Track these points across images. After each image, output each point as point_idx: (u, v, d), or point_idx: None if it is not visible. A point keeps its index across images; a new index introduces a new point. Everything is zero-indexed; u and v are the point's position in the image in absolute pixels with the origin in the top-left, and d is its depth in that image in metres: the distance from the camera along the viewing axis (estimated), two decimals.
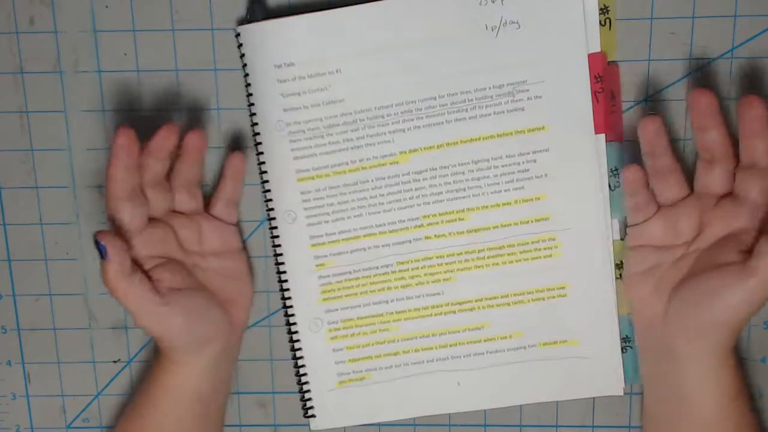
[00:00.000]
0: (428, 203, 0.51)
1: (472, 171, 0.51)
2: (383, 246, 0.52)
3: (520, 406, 0.54)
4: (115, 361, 0.55)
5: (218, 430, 0.53)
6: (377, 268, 0.52)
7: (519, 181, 0.51)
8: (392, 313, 0.53)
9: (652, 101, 0.51)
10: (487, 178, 0.51)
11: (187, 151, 0.48)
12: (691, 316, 0.47)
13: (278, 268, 0.52)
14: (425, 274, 0.52)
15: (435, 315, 0.53)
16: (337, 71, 0.49)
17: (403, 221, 0.51)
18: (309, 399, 0.54)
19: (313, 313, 0.53)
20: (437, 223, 0.51)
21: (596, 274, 0.51)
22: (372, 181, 0.51)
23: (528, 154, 0.50)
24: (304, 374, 0.53)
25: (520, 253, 0.51)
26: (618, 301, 0.52)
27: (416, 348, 0.53)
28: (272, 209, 0.51)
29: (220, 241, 0.51)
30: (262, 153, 0.51)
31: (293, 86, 0.50)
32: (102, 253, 0.44)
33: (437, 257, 0.52)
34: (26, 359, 0.56)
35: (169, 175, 0.49)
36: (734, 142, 0.47)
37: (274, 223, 0.52)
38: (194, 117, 0.52)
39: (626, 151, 0.51)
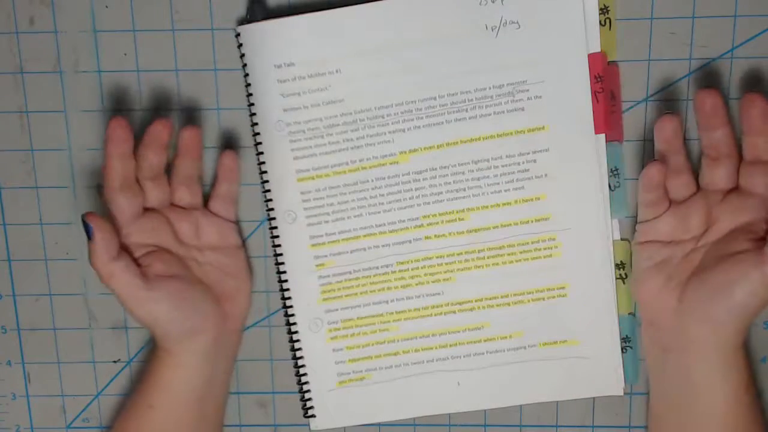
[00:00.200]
0: (428, 203, 0.51)
1: (472, 171, 0.51)
2: (383, 246, 0.52)
3: (520, 406, 0.54)
4: (115, 361, 0.55)
5: (218, 431, 0.53)
6: (377, 268, 0.52)
7: (519, 181, 0.51)
8: (392, 313, 0.53)
9: (652, 101, 0.51)
10: (487, 178, 0.51)
11: (183, 147, 0.49)
12: (706, 308, 0.47)
13: (278, 268, 0.52)
14: (425, 274, 0.52)
15: (435, 315, 0.53)
16: (337, 71, 0.49)
17: (403, 221, 0.51)
18: (309, 399, 0.54)
19: (313, 313, 0.53)
20: (437, 223, 0.51)
21: (596, 274, 0.51)
22: (372, 181, 0.51)
23: (528, 154, 0.50)
24: (304, 374, 0.53)
25: (520, 253, 0.51)
26: (618, 301, 0.52)
27: (416, 348, 0.53)
28: (272, 209, 0.51)
29: (217, 236, 0.51)
30: (262, 153, 0.51)
31: (293, 86, 0.50)
32: (88, 234, 0.45)
33: (437, 257, 0.52)
34: (26, 359, 0.56)
35: (169, 171, 0.50)
36: (737, 138, 0.47)
37: (274, 223, 0.52)
38: (194, 117, 0.52)
39: (626, 151, 0.51)
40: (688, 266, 0.49)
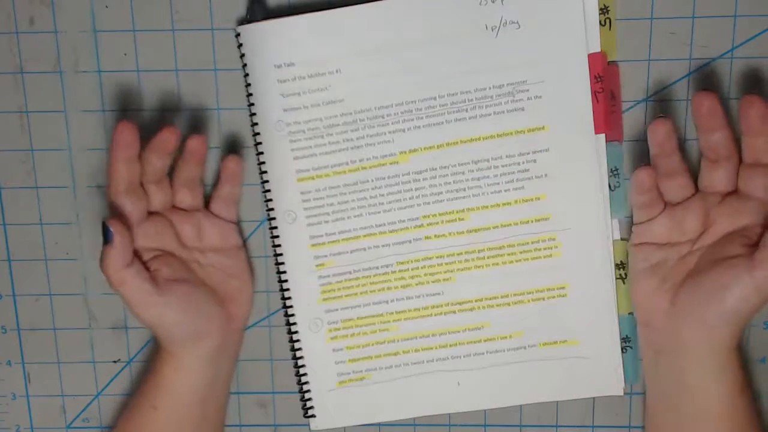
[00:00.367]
0: (428, 203, 0.51)
1: (472, 171, 0.51)
2: (383, 246, 0.52)
3: (520, 406, 0.54)
4: (115, 361, 0.55)
5: (219, 431, 0.53)
6: (377, 268, 0.52)
7: (519, 181, 0.51)
8: (392, 313, 0.53)
9: (652, 101, 0.51)
10: (487, 178, 0.51)
11: (188, 153, 0.49)
12: (699, 311, 0.47)
13: (278, 268, 0.52)
14: (425, 274, 0.52)
15: (435, 315, 0.53)
16: (337, 71, 0.49)
17: (403, 221, 0.51)
18: (309, 399, 0.54)
19: (313, 313, 0.53)
20: (437, 223, 0.51)
21: (596, 274, 0.51)
22: (372, 181, 0.51)
23: (528, 154, 0.50)
24: (304, 374, 0.53)
25: (520, 253, 0.51)
26: (618, 301, 0.52)
27: (416, 348, 0.53)
28: (272, 209, 0.51)
29: (219, 238, 0.51)
30: (262, 153, 0.51)
31: (293, 86, 0.50)
32: (108, 239, 0.45)
33: (437, 257, 0.52)
34: (26, 359, 0.56)
35: (170, 172, 0.50)
36: (737, 140, 0.47)
37: (274, 223, 0.52)
38: (194, 117, 0.52)
39: (626, 151, 0.51)
40: (683, 269, 0.48)
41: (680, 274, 0.48)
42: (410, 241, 0.52)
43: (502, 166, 0.50)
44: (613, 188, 0.51)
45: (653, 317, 0.50)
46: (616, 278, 0.52)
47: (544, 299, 0.52)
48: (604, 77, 0.50)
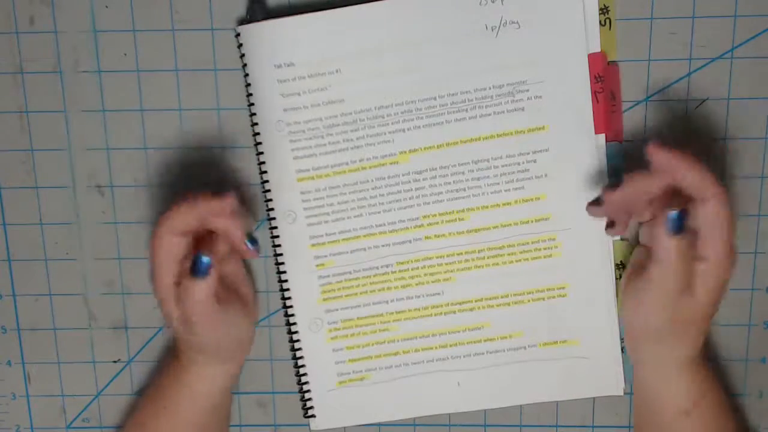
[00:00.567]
0: (428, 203, 0.51)
1: (472, 171, 0.51)
2: (383, 246, 0.52)
3: (520, 406, 0.54)
4: (115, 361, 0.55)
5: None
6: (377, 268, 0.52)
7: (519, 181, 0.51)
8: (392, 313, 0.53)
9: (652, 101, 0.51)
10: (487, 178, 0.51)
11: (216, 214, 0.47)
12: (641, 323, 0.47)
13: (278, 268, 0.52)
14: (425, 274, 0.52)
15: (435, 315, 0.53)
16: (337, 71, 0.49)
17: (403, 221, 0.51)
18: (309, 399, 0.54)
19: (313, 313, 0.53)
20: (437, 223, 0.51)
21: (596, 274, 0.51)
22: (372, 181, 0.51)
23: (528, 154, 0.50)
24: (304, 374, 0.53)
25: (520, 253, 0.51)
26: (618, 301, 0.52)
27: (416, 348, 0.53)
28: (272, 209, 0.51)
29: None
30: (262, 153, 0.51)
31: (293, 86, 0.50)
32: (203, 272, 0.44)
33: (437, 257, 0.52)
34: (26, 359, 0.56)
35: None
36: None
37: (274, 223, 0.52)
38: (194, 117, 0.52)
39: (626, 151, 0.51)
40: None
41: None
42: (410, 241, 0.52)
43: (502, 166, 0.50)
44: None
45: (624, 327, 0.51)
46: (616, 278, 0.52)
47: (544, 299, 0.52)
48: (604, 77, 0.50)
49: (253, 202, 0.53)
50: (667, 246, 0.42)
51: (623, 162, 0.51)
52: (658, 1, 0.50)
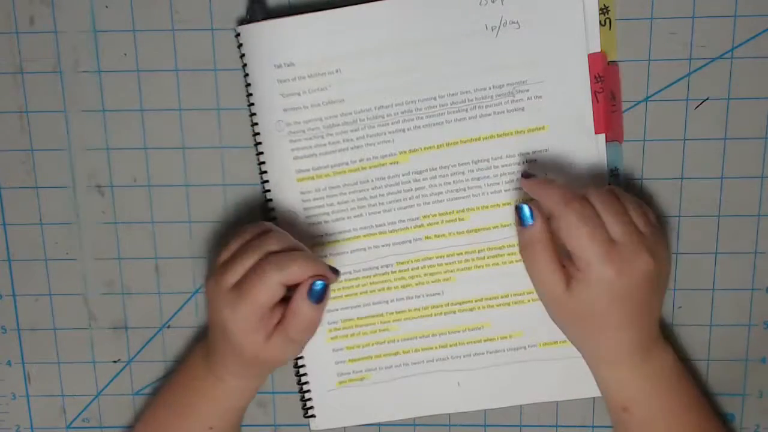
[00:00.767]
0: (428, 203, 0.51)
1: (472, 171, 0.51)
2: (383, 246, 0.52)
3: (520, 406, 0.54)
4: (115, 361, 0.55)
5: None
6: (377, 268, 0.52)
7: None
8: (392, 313, 0.53)
9: (652, 101, 0.51)
10: (487, 178, 0.51)
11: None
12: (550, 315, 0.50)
13: None
14: (425, 274, 0.52)
15: (435, 315, 0.53)
16: (337, 71, 0.49)
17: (403, 221, 0.51)
18: (309, 399, 0.54)
19: None
20: (437, 223, 0.51)
21: None
22: (372, 181, 0.51)
23: (528, 154, 0.50)
24: (304, 374, 0.53)
25: None
26: None
27: (416, 348, 0.53)
28: (272, 209, 0.51)
29: None
30: (262, 153, 0.51)
31: (293, 86, 0.50)
32: (319, 297, 0.45)
33: (437, 257, 0.52)
34: (26, 359, 0.56)
35: None
36: None
37: (274, 223, 0.52)
38: (194, 117, 0.52)
39: (626, 151, 0.51)
40: None
41: None
42: (410, 241, 0.52)
43: (502, 166, 0.50)
44: None
45: None
46: None
47: None
48: (604, 77, 0.50)
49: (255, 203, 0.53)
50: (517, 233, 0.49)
51: (623, 162, 0.51)
52: (658, 1, 0.50)
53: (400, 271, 0.52)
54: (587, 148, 0.50)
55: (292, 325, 0.46)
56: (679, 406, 0.49)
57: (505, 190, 0.51)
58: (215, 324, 0.47)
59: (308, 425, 0.55)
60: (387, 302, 0.52)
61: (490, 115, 0.50)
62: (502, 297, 0.52)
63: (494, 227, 0.51)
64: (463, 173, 0.51)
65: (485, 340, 0.53)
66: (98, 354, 0.55)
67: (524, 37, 0.49)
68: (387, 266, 0.52)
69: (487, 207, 0.51)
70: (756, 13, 0.49)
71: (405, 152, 0.50)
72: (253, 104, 0.50)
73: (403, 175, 0.51)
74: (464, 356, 0.53)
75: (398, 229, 0.51)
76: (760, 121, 0.51)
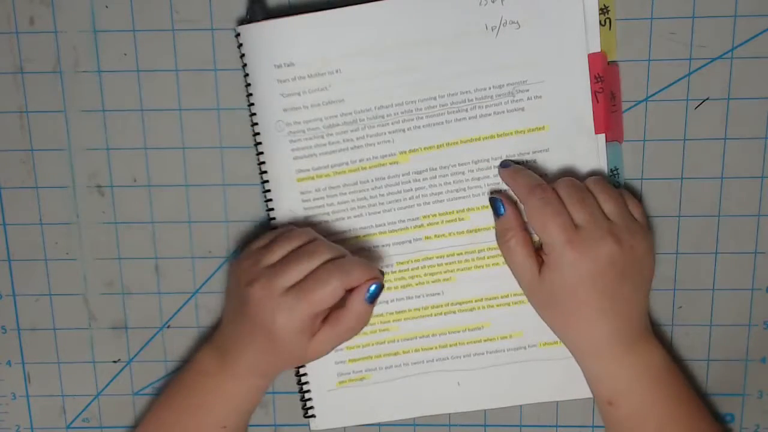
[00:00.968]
0: (428, 203, 0.51)
1: (472, 171, 0.51)
2: (383, 246, 0.52)
3: (520, 406, 0.54)
4: (115, 361, 0.55)
5: None
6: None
7: None
8: (392, 313, 0.53)
9: (652, 101, 0.51)
10: (487, 178, 0.51)
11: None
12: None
13: None
14: (425, 274, 0.52)
15: (435, 315, 0.53)
16: (337, 71, 0.49)
17: (403, 221, 0.51)
18: (309, 399, 0.54)
19: None
20: (437, 223, 0.51)
21: None
22: (372, 181, 0.51)
23: (528, 154, 0.50)
24: (304, 374, 0.53)
25: None
26: None
27: (416, 348, 0.53)
28: (272, 209, 0.51)
29: None
30: (262, 153, 0.51)
31: (293, 86, 0.50)
32: (374, 298, 0.47)
33: (437, 257, 0.52)
34: (26, 359, 0.56)
35: None
36: None
37: (274, 223, 0.52)
38: (194, 117, 0.52)
39: (626, 151, 0.51)
40: None
41: None
42: (410, 241, 0.52)
43: None
44: None
45: None
46: None
47: None
48: (604, 77, 0.50)
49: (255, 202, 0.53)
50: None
51: (623, 162, 0.51)
52: (658, 1, 0.50)
53: (400, 271, 0.52)
54: (587, 148, 0.50)
55: (346, 323, 0.48)
56: (667, 403, 0.48)
57: (505, 190, 0.51)
58: (257, 324, 0.47)
59: (308, 425, 0.55)
60: (387, 302, 0.52)
61: (490, 115, 0.50)
62: (502, 297, 0.52)
63: (494, 227, 0.51)
64: (463, 173, 0.51)
65: (485, 340, 0.53)
66: (98, 354, 0.55)
67: (524, 37, 0.49)
68: (387, 266, 0.52)
69: (487, 207, 0.51)
70: (756, 13, 0.49)
71: (405, 152, 0.50)
72: (253, 104, 0.50)
73: (403, 175, 0.51)
74: (464, 356, 0.53)
75: (398, 229, 0.51)
76: (760, 121, 0.51)
